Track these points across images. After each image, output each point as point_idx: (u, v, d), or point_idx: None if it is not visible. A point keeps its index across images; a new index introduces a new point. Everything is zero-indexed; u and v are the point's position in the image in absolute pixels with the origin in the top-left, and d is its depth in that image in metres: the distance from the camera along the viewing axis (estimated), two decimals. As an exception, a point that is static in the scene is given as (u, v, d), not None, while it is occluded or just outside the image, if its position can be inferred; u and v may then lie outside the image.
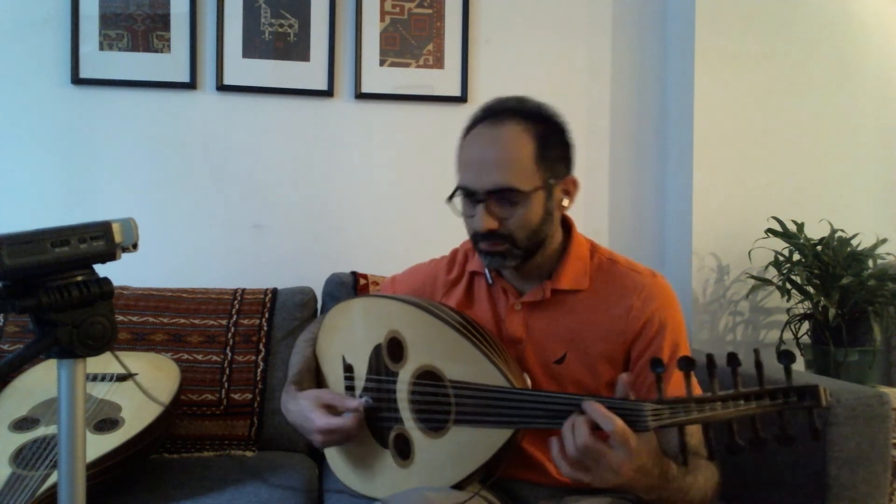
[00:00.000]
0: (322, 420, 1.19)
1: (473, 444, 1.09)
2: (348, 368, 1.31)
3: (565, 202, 1.20)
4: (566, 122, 1.20)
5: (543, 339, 1.20)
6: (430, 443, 1.15)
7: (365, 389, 1.27)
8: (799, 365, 2.09)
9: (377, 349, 1.25)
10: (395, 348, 1.21)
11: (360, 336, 1.28)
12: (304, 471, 1.56)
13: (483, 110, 1.20)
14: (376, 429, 1.25)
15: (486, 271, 1.27)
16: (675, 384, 1.11)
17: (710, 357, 0.92)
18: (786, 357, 0.91)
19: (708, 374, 0.92)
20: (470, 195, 1.15)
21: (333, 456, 1.36)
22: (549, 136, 1.16)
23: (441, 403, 1.13)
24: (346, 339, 1.32)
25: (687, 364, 0.91)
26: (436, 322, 1.15)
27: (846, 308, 1.87)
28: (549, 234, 1.19)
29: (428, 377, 1.16)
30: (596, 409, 0.92)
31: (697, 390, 1.04)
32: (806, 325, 1.99)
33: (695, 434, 1.11)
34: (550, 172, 1.15)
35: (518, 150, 1.13)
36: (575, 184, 1.21)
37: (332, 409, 1.21)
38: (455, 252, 1.37)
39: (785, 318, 2.01)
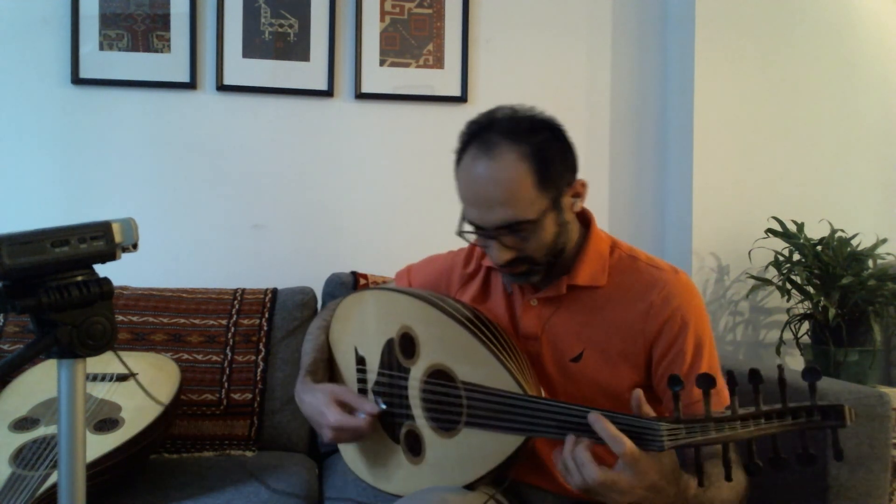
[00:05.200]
0: (336, 417, 1.18)
1: (484, 448, 1.09)
2: (360, 360, 1.31)
3: (577, 205, 1.17)
4: (561, 125, 1.15)
5: (560, 336, 1.18)
6: (442, 442, 1.15)
7: (377, 384, 1.27)
8: (798, 364, 2.09)
9: (389, 343, 1.25)
10: (407, 344, 1.21)
11: (373, 328, 1.28)
12: (303, 471, 1.56)
13: (473, 131, 1.13)
14: (387, 424, 1.25)
15: None
16: (695, 401, 1.10)
17: (730, 373, 0.88)
18: (811, 374, 0.86)
19: (729, 392, 0.89)
20: (479, 229, 1.13)
21: (346, 447, 1.36)
22: (546, 150, 1.10)
23: (453, 404, 1.13)
24: (359, 331, 1.32)
25: (705, 382, 0.88)
26: (447, 320, 1.14)
27: (846, 308, 1.87)
28: (567, 241, 1.17)
29: (440, 376, 1.16)
30: (605, 428, 0.91)
31: (725, 400, 1.03)
32: (806, 325, 1.99)
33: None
34: (556, 190, 1.11)
35: (518, 182, 1.07)
36: (583, 185, 1.17)
37: (346, 407, 1.21)
38: (473, 246, 1.31)
39: (785, 318, 2.01)
